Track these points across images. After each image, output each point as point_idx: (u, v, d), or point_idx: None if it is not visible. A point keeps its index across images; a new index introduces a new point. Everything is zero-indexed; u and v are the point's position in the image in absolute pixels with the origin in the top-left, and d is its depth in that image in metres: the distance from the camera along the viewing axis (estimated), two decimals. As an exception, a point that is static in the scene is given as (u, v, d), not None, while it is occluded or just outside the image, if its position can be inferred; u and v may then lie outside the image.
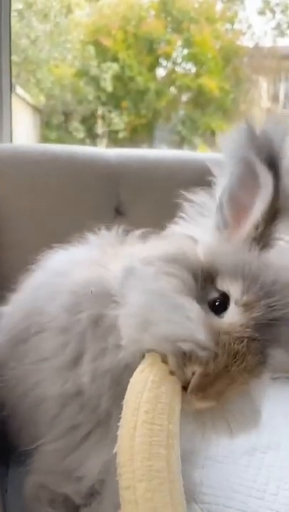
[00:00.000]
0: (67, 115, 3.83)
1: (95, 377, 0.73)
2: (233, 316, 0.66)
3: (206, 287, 0.69)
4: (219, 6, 4.27)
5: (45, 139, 3.84)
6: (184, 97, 4.18)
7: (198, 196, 0.79)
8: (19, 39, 3.54)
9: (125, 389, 0.67)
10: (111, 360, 0.71)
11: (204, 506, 0.87)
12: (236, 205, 0.75)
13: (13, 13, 3.31)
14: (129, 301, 0.69)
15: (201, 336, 0.64)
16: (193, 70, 4.09)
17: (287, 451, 1.04)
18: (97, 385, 0.73)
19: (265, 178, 0.71)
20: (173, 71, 4.15)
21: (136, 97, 3.95)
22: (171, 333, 0.65)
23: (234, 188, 0.74)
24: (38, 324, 0.79)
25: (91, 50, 3.76)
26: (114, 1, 3.88)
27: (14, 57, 3.40)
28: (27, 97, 3.65)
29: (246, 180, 0.73)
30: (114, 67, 3.79)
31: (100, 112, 3.89)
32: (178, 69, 4.14)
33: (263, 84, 4.22)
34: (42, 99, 3.69)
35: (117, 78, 3.86)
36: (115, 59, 3.84)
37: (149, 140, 4.11)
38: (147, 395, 0.65)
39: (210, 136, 4.14)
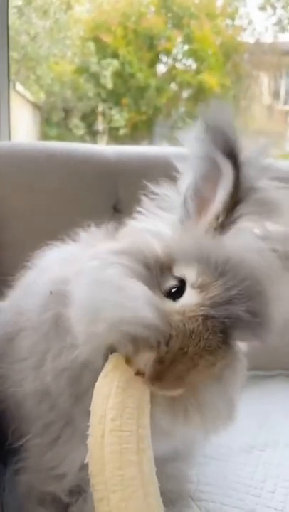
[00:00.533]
0: (67, 112, 3.82)
1: (55, 376, 0.73)
2: (188, 298, 0.65)
3: (163, 277, 0.68)
4: (220, 2, 4.24)
5: (45, 135, 3.84)
6: (185, 94, 4.17)
7: (161, 189, 0.79)
8: (19, 36, 3.53)
9: (85, 388, 0.67)
10: (67, 358, 0.71)
11: (201, 504, 0.88)
12: (200, 198, 0.76)
13: (13, 10, 3.30)
14: (76, 296, 0.67)
15: (147, 314, 0.61)
16: (194, 66, 4.07)
17: (285, 449, 1.05)
18: (57, 384, 0.73)
19: (226, 169, 0.72)
20: (173, 67, 4.14)
21: (136, 93, 3.94)
22: (116, 317, 0.62)
23: (198, 183, 0.75)
24: (20, 323, 0.81)
25: (91, 46, 3.75)
26: (114, -3, 3.86)
27: (14, 54, 3.39)
28: (27, 93, 3.64)
29: (209, 174, 0.75)
30: (115, 63, 3.78)
31: (100, 108, 3.88)
32: (178, 65, 4.13)
33: (264, 81, 4.21)
34: (42, 96, 3.68)
35: (117, 75, 3.85)
36: (115, 55, 3.82)
37: (150, 137, 4.10)
38: (113, 400, 0.62)
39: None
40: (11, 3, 2.71)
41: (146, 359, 0.62)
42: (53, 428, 0.77)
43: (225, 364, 0.66)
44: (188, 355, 0.62)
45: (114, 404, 0.62)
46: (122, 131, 3.91)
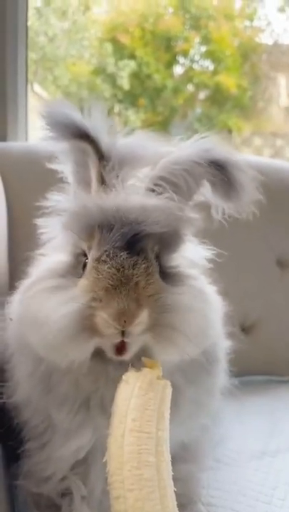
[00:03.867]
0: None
1: (28, 379, 0.79)
2: (91, 260, 0.73)
3: (79, 265, 0.77)
4: (238, 3, 4.22)
5: None
6: (201, 95, 4.16)
7: (49, 202, 0.88)
8: (37, 36, 3.56)
9: (55, 382, 0.72)
10: (34, 365, 0.78)
11: (211, 509, 0.87)
12: (84, 184, 0.84)
13: (32, 11, 3.32)
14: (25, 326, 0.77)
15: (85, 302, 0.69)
16: (211, 67, 4.06)
17: (297, 456, 1.04)
18: (31, 385, 0.79)
19: (85, 147, 0.79)
20: (190, 68, 4.14)
21: (153, 94, 3.94)
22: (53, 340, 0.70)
23: (77, 172, 0.83)
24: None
25: (108, 47, 3.76)
26: (132, -2, 3.87)
27: (32, 55, 3.42)
28: (44, 94, 3.67)
29: (79, 159, 0.81)
30: (132, 64, 3.79)
31: (116, 109, 3.89)
32: (195, 66, 4.12)
33: (282, 82, 4.18)
34: (59, 96, 3.71)
35: (134, 76, 3.85)
36: (132, 56, 3.83)
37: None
38: (134, 401, 0.65)
39: (227, 134, 4.11)
40: (30, 5, 2.73)
41: (106, 324, 0.68)
42: (38, 431, 0.82)
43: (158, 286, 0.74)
44: (128, 283, 0.70)
45: (136, 405, 0.65)
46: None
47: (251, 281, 1.50)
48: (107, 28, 3.81)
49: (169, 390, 0.67)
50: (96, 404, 0.74)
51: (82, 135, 0.81)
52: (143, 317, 0.69)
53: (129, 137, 0.88)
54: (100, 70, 3.78)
